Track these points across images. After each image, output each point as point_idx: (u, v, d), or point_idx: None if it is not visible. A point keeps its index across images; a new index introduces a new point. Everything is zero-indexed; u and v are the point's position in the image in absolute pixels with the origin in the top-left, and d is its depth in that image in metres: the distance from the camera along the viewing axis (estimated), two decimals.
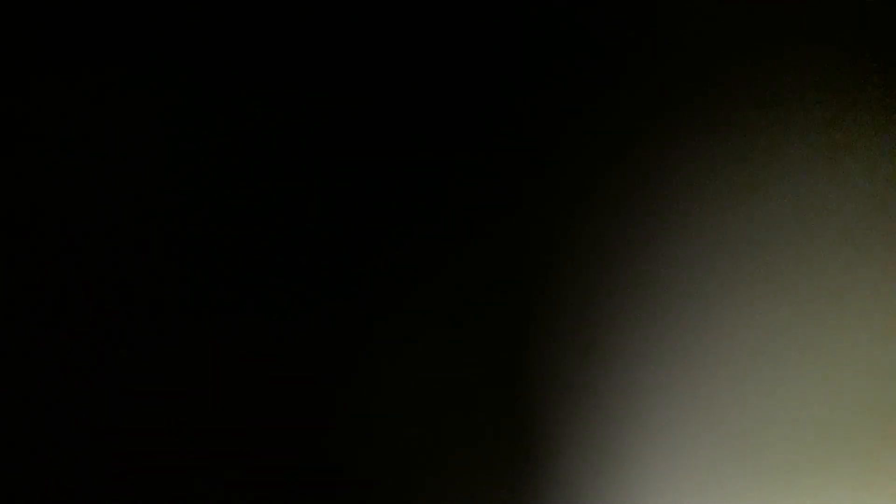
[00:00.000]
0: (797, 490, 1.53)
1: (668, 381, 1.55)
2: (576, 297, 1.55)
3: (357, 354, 1.54)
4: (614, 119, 1.57)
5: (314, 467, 1.52)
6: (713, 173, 1.57)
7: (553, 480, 1.53)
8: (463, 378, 1.54)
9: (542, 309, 1.55)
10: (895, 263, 1.55)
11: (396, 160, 1.55)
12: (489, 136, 1.57)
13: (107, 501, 1.49)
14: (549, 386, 1.54)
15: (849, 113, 1.57)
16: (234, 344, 1.52)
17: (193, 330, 1.52)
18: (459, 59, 1.56)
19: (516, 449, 1.54)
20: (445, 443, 1.53)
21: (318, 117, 1.55)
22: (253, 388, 1.52)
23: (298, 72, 1.55)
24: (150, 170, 1.53)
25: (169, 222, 1.53)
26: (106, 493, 1.49)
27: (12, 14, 1.51)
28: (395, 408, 1.54)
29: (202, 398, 1.51)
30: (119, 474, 1.49)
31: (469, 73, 1.57)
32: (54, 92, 1.52)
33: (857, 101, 1.57)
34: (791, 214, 1.56)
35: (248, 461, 1.51)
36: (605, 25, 1.58)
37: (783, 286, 1.56)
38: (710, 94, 1.57)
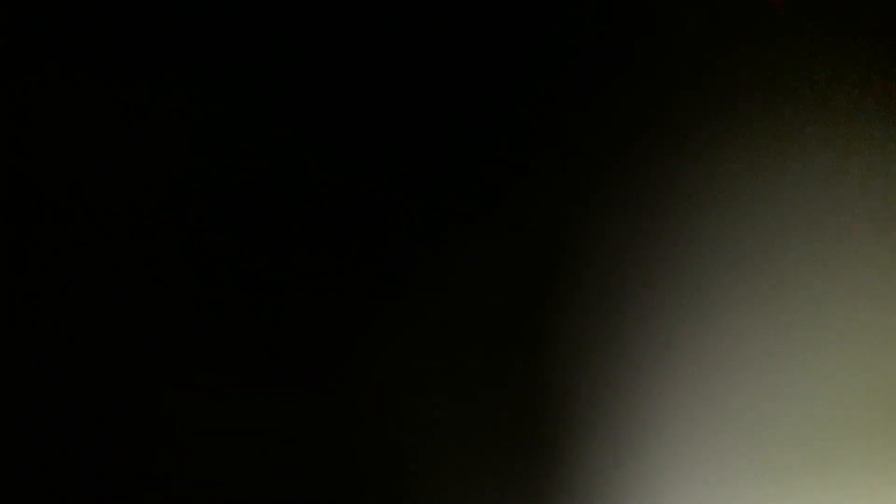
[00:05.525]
0: (801, 488, 1.53)
1: (673, 381, 1.55)
2: (583, 298, 1.55)
3: (362, 355, 1.54)
4: (615, 120, 1.57)
5: (318, 468, 1.52)
6: (716, 174, 1.57)
7: (561, 481, 1.53)
8: (471, 378, 1.54)
9: (549, 311, 1.55)
10: None
11: (401, 160, 1.55)
12: (490, 138, 1.57)
13: (109, 501, 1.49)
14: (556, 388, 1.54)
15: (850, 113, 1.57)
16: (238, 343, 1.52)
17: (195, 328, 1.52)
18: (466, 59, 1.56)
19: (524, 449, 1.54)
20: (452, 443, 1.53)
21: (329, 117, 1.55)
22: (256, 386, 1.52)
23: (303, 73, 1.55)
24: (149, 169, 1.53)
25: (169, 222, 1.53)
26: (107, 493, 1.49)
27: (14, 16, 1.51)
28: (401, 409, 1.53)
29: (202, 397, 1.51)
30: (119, 474, 1.49)
31: (481, 75, 1.57)
32: (55, 92, 1.52)
33: (858, 101, 1.57)
34: (793, 215, 1.56)
35: (252, 463, 1.51)
36: (606, 26, 1.58)
37: (787, 286, 1.56)
38: (712, 95, 1.57)
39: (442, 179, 1.55)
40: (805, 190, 1.56)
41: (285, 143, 1.54)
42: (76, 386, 1.49)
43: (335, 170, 1.54)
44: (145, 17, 1.53)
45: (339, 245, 1.54)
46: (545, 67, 1.57)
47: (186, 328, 1.51)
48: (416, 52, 1.56)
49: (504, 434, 1.54)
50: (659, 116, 1.57)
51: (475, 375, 1.54)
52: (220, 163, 1.53)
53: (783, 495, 1.53)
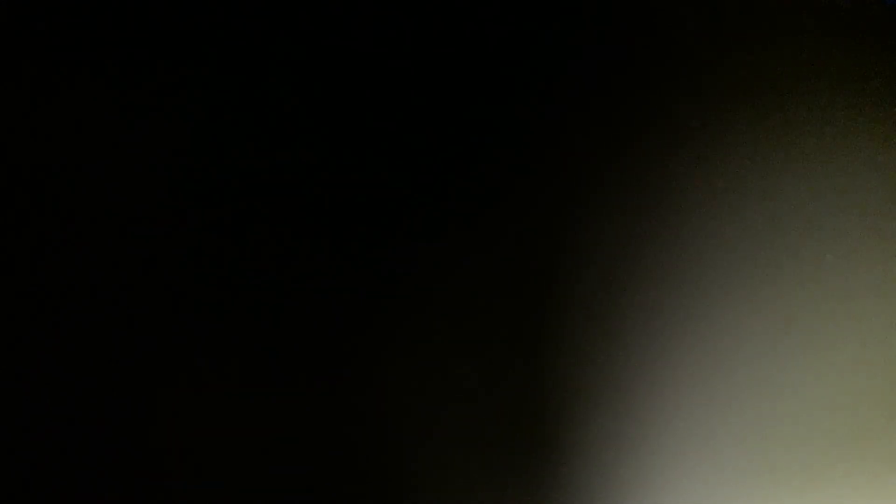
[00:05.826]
0: (801, 488, 1.53)
1: (673, 381, 1.55)
2: (583, 298, 1.55)
3: (362, 355, 1.54)
4: (615, 120, 1.58)
5: (318, 468, 1.52)
6: (716, 174, 1.57)
7: (561, 480, 1.53)
8: (471, 379, 1.54)
9: (549, 311, 1.55)
10: None
11: (401, 160, 1.56)
12: (490, 138, 1.57)
13: (109, 501, 1.49)
14: (556, 388, 1.54)
15: (850, 113, 1.58)
16: (238, 343, 1.52)
17: (195, 328, 1.52)
18: (466, 59, 1.57)
19: (524, 449, 1.54)
20: (452, 443, 1.53)
21: (329, 117, 1.55)
22: (256, 386, 1.52)
23: (303, 73, 1.55)
24: (149, 169, 1.53)
25: (170, 222, 1.53)
26: (107, 493, 1.49)
27: (14, 16, 1.51)
28: (401, 409, 1.54)
29: (202, 397, 1.51)
30: (119, 474, 1.49)
31: (481, 75, 1.57)
32: (55, 92, 1.52)
33: (858, 102, 1.57)
34: (793, 215, 1.56)
35: (255, 465, 1.51)
36: (606, 26, 1.58)
37: (787, 286, 1.56)
38: (712, 95, 1.57)
39: (442, 179, 1.56)
40: (805, 190, 1.56)
41: (285, 142, 1.54)
42: (76, 386, 1.49)
43: (335, 170, 1.55)
44: (145, 17, 1.53)
45: (339, 245, 1.54)
46: (545, 67, 1.57)
47: (186, 328, 1.51)
48: (416, 52, 1.56)
49: (504, 434, 1.54)
50: (659, 116, 1.57)
51: (475, 375, 1.54)
52: (220, 163, 1.53)
53: (783, 495, 1.53)
